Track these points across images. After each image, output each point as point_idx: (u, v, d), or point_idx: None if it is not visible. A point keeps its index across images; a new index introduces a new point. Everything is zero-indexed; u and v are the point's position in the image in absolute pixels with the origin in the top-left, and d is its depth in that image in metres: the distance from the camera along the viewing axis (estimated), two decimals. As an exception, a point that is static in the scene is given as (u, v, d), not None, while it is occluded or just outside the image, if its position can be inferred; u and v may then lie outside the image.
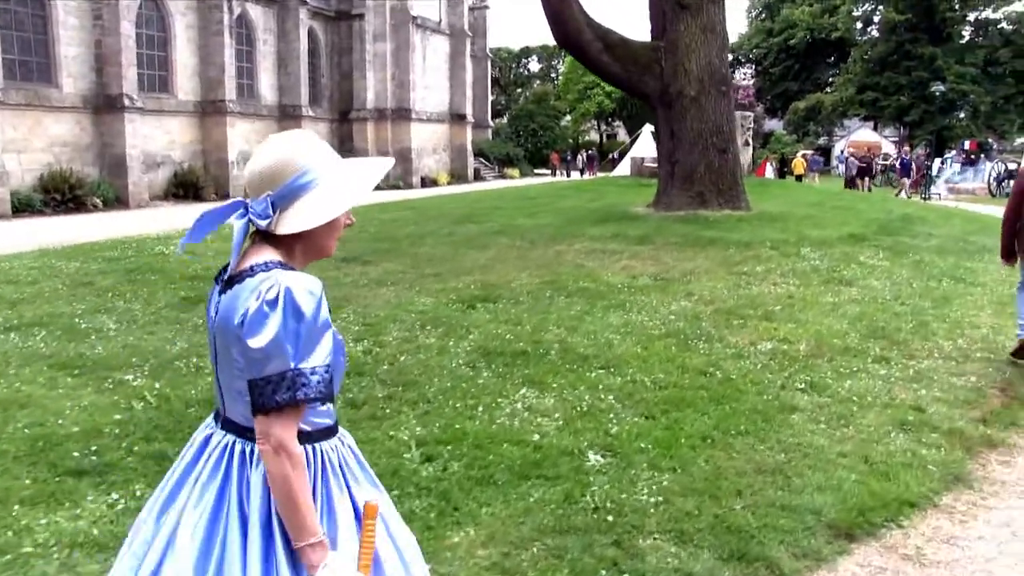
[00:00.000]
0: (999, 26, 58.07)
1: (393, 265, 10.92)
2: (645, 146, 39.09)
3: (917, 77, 53.46)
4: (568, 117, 67.98)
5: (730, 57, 75.71)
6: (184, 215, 22.39)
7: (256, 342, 1.81)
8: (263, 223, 1.94)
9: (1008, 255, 7.16)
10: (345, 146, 40.84)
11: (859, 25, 63.26)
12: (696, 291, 8.98)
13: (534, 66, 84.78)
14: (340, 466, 2.03)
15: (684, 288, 9.14)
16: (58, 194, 23.22)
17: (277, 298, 1.82)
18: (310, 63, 38.37)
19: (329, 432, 2.03)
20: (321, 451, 1.99)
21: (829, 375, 6.09)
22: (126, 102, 26.02)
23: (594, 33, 15.48)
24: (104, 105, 26.00)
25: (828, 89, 62.69)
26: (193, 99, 30.62)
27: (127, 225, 18.76)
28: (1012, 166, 31.45)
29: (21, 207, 22.12)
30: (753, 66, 72.29)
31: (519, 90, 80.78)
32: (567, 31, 15.40)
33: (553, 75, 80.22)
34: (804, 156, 39.33)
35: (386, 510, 2.10)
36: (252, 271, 1.90)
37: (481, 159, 49.64)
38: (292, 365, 1.82)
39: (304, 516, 1.85)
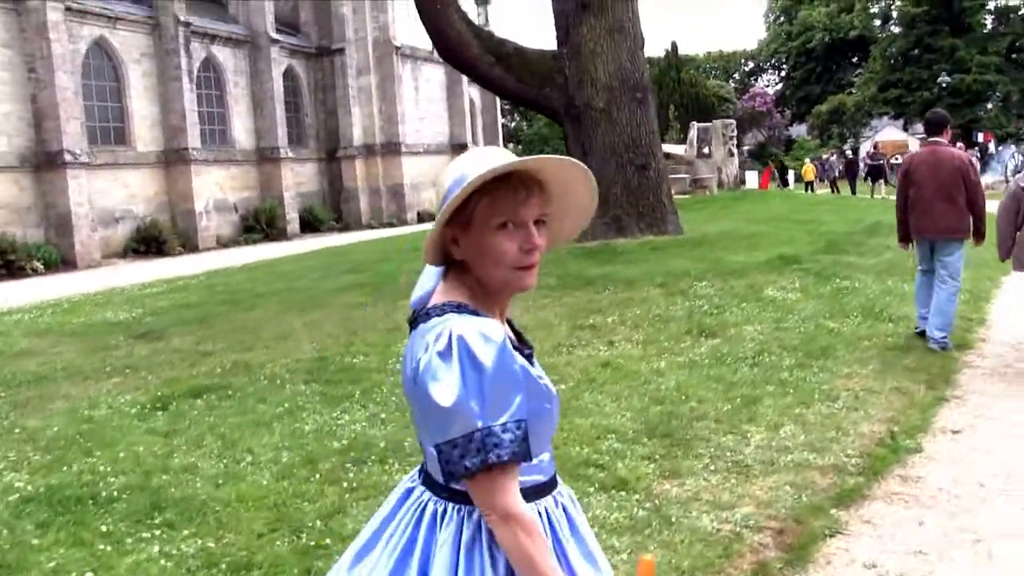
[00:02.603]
0: (1020, 12, 54.76)
1: (184, 340, 8.99)
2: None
3: (940, 70, 50.46)
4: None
5: (751, 64, 73.65)
6: (133, 273, 20.85)
7: (434, 400, 1.53)
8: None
9: (904, 239, 7.44)
10: (334, 185, 39.39)
11: (877, 22, 60.28)
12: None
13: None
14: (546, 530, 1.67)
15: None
16: (-12, 261, 21.93)
17: (449, 348, 1.54)
18: (293, 102, 37.06)
19: (540, 490, 1.69)
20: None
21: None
22: (68, 158, 24.74)
23: (483, 45, 13.46)
24: (44, 162, 24.77)
25: (852, 89, 59.62)
26: (155, 149, 29.32)
27: (56, 290, 16.71)
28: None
29: (-56, 278, 20.84)
30: (776, 72, 69.60)
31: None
32: (449, 44, 13.39)
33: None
34: (814, 162, 36.59)
35: None
36: (428, 315, 1.65)
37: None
38: (479, 424, 1.52)
39: None
